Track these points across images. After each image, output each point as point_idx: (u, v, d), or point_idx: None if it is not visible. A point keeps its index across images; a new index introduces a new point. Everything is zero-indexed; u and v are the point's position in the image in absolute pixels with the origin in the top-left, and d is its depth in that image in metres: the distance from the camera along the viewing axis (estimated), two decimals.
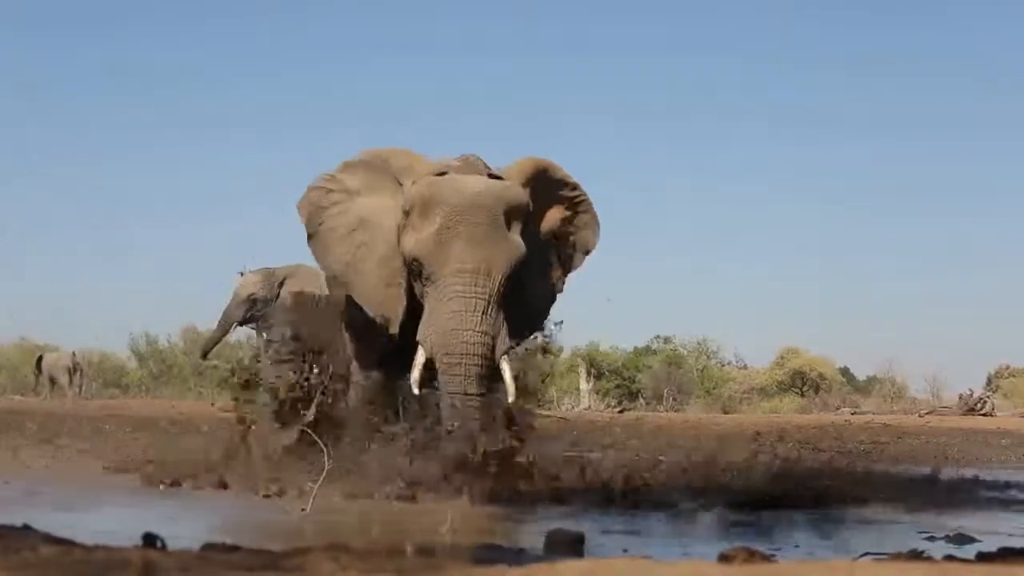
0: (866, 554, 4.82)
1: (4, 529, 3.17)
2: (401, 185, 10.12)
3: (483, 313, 9.27)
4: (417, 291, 9.80)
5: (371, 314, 10.19)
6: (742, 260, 67.63)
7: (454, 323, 9.28)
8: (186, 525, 6.23)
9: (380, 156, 10.51)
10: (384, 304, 10.14)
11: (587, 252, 10.91)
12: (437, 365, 9.33)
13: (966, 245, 66.52)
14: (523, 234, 9.71)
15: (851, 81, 70.77)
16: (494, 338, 9.31)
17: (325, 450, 8.93)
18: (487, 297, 9.30)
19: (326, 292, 11.97)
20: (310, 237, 10.74)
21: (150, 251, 65.78)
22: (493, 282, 9.33)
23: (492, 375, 9.36)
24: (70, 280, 61.32)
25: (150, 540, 3.36)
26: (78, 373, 35.01)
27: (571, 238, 10.72)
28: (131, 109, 68.15)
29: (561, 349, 42.50)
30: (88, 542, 3.02)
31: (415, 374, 9.46)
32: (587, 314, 57.14)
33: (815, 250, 67.47)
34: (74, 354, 35.74)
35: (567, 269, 10.79)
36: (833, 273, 66.03)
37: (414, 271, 9.70)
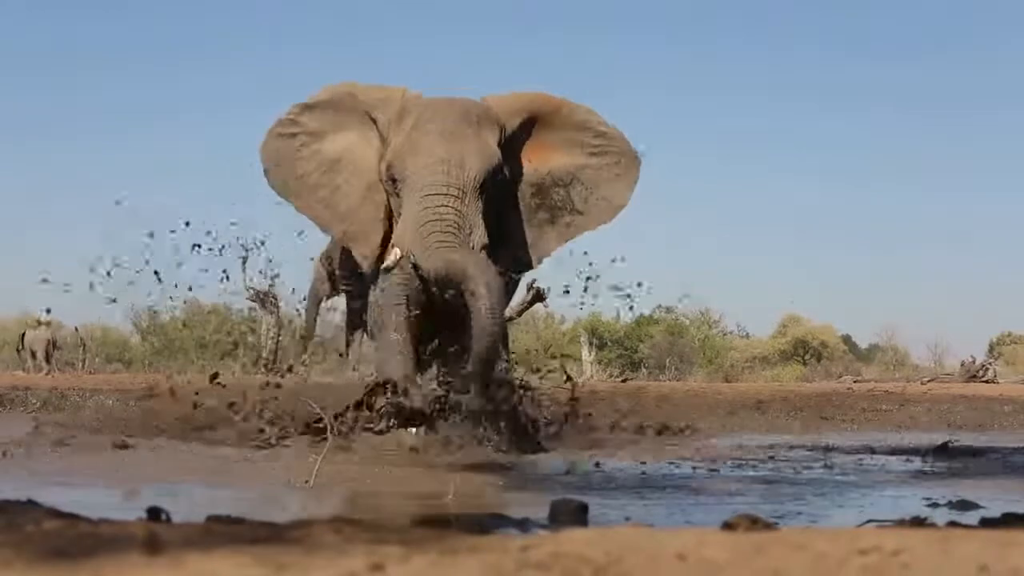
0: (870, 521, 4.82)
1: (8, 503, 3.17)
2: (374, 120, 10.02)
3: (457, 198, 9.10)
4: (395, 208, 9.65)
5: (355, 252, 10.04)
6: (744, 229, 67.53)
7: (428, 202, 9.12)
8: (191, 497, 6.24)
9: (345, 91, 10.33)
10: (369, 237, 9.92)
11: (616, 206, 10.58)
12: (413, 251, 9.11)
13: (967, 212, 66.50)
14: (507, 157, 9.66)
15: (849, 52, 70.52)
16: (471, 225, 9.14)
17: (330, 422, 8.94)
18: (460, 186, 9.13)
19: None
20: (276, 186, 10.49)
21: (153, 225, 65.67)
22: (467, 173, 9.18)
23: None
24: (75, 253, 61.27)
25: (154, 513, 3.37)
26: (80, 347, 35.15)
27: (590, 189, 10.47)
28: (129, 82, 67.82)
29: (563, 318, 42.33)
30: (92, 516, 3.03)
31: (388, 262, 9.31)
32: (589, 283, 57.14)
33: (817, 218, 67.44)
34: (76, 329, 35.88)
35: (584, 224, 10.52)
36: (835, 241, 66.03)
37: (391, 183, 9.54)
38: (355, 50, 69.96)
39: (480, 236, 9.16)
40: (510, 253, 9.95)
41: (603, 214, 10.52)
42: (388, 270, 9.35)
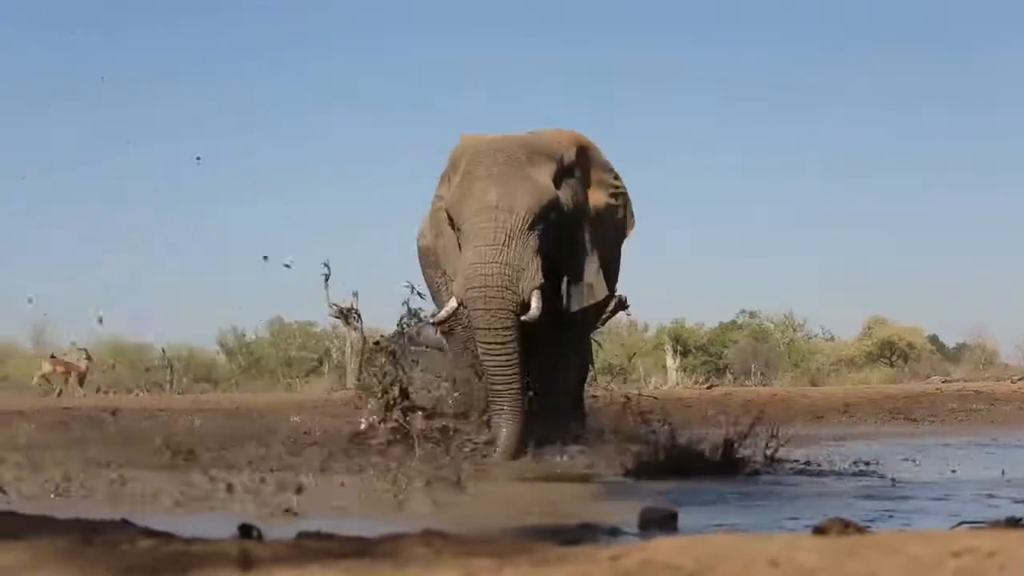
0: (963, 523, 4.77)
1: (103, 523, 3.21)
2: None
3: (503, 246, 9.22)
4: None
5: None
6: (826, 232, 66.95)
7: (475, 258, 9.30)
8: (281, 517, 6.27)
9: (452, 153, 10.50)
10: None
11: (622, 242, 11.03)
12: (466, 304, 9.39)
13: None
14: (563, 186, 9.78)
15: (905, 53, 69.81)
16: (519, 271, 9.26)
17: (415, 439, 9.02)
18: (508, 231, 9.26)
19: None
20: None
21: (236, 244, 66.17)
22: (516, 217, 9.30)
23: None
24: (157, 276, 61.84)
25: (246, 531, 3.40)
26: (167, 368, 35.60)
27: (611, 226, 10.68)
28: (216, 88, 68.18)
29: (647, 326, 42.23)
30: (185, 535, 3.06)
31: (440, 315, 9.73)
32: (671, 290, 57.03)
33: (899, 219, 66.71)
34: (163, 351, 36.38)
35: (608, 256, 10.69)
36: (919, 241, 65.25)
37: (451, 228, 9.80)
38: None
39: (531, 280, 9.32)
40: (582, 281, 10.08)
41: (618, 250, 10.95)
42: (441, 322, 9.77)
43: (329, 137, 66.98)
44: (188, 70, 65.03)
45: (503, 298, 9.18)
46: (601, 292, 10.35)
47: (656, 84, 68.23)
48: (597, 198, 10.47)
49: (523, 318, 9.23)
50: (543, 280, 9.33)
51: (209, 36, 66.60)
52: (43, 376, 33.66)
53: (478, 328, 9.30)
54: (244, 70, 66.84)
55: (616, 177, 10.78)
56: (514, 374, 9.22)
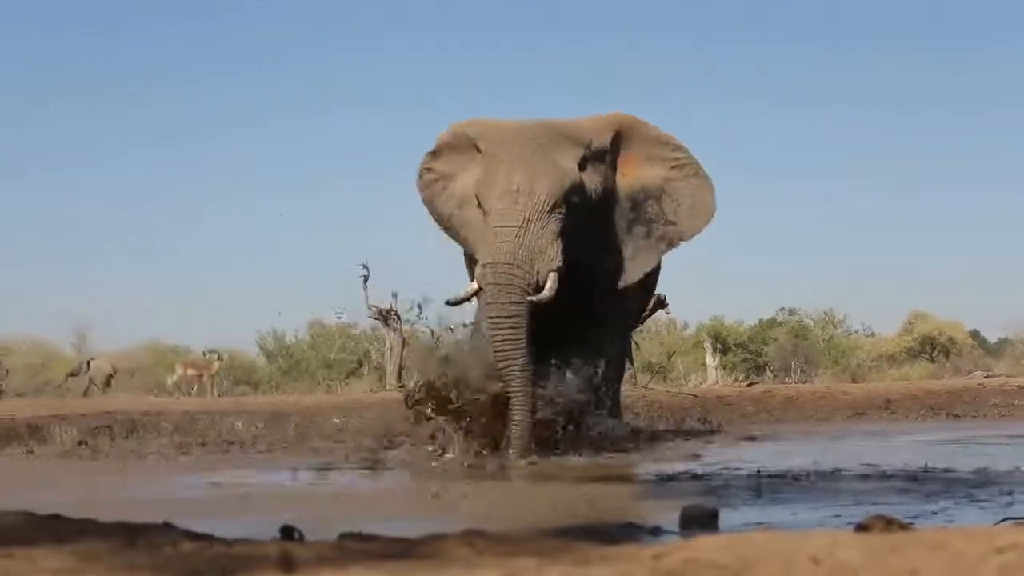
0: (1007, 519, 4.74)
1: (146, 527, 3.23)
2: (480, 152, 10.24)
3: (520, 227, 9.32)
4: None
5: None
6: (865, 227, 66.57)
7: (492, 238, 9.45)
8: (326, 516, 6.29)
9: (461, 132, 10.56)
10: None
11: (707, 214, 10.75)
12: (481, 284, 9.52)
13: None
14: (591, 172, 9.82)
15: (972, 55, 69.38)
16: (536, 252, 9.33)
17: (455, 436, 9.03)
18: (526, 214, 9.35)
19: None
20: (435, 222, 10.97)
21: (273, 247, 66.40)
22: (536, 200, 9.39)
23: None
24: (197, 280, 62.11)
25: (288, 532, 3.41)
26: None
27: (679, 200, 10.56)
28: (216, 88, 68.39)
29: (686, 324, 42.10)
30: (227, 537, 3.07)
31: (459, 295, 9.79)
32: (710, 288, 56.82)
33: (938, 214, 66.31)
34: (204, 354, 36.62)
35: (680, 234, 10.65)
36: (958, 236, 64.86)
37: (480, 212, 9.87)
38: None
39: (548, 262, 9.40)
40: (611, 266, 10.08)
41: (696, 224, 10.70)
42: (456, 303, 9.79)
43: (329, 137, 67.36)
44: (188, 70, 65.60)
45: (512, 274, 9.27)
46: (636, 274, 10.35)
47: (656, 84, 68.11)
48: (652, 174, 10.42)
49: (534, 298, 9.26)
50: (561, 263, 9.38)
51: (209, 36, 67.19)
52: (177, 379, 34.31)
53: (487, 304, 9.39)
54: (244, 70, 67.34)
55: (676, 148, 10.65)
56: (518, 349, 9.20)
